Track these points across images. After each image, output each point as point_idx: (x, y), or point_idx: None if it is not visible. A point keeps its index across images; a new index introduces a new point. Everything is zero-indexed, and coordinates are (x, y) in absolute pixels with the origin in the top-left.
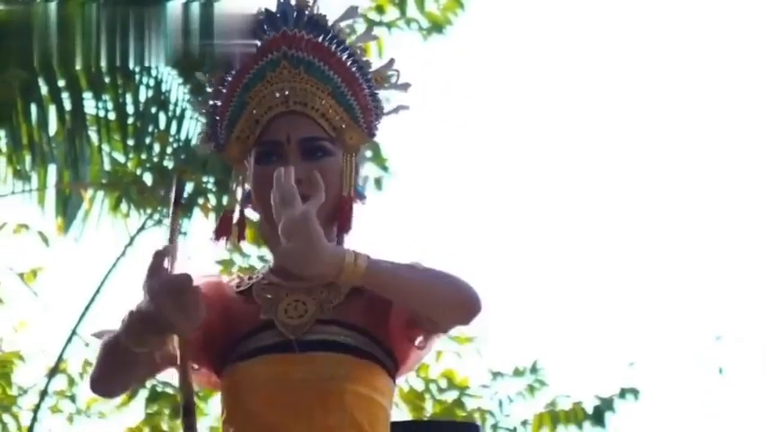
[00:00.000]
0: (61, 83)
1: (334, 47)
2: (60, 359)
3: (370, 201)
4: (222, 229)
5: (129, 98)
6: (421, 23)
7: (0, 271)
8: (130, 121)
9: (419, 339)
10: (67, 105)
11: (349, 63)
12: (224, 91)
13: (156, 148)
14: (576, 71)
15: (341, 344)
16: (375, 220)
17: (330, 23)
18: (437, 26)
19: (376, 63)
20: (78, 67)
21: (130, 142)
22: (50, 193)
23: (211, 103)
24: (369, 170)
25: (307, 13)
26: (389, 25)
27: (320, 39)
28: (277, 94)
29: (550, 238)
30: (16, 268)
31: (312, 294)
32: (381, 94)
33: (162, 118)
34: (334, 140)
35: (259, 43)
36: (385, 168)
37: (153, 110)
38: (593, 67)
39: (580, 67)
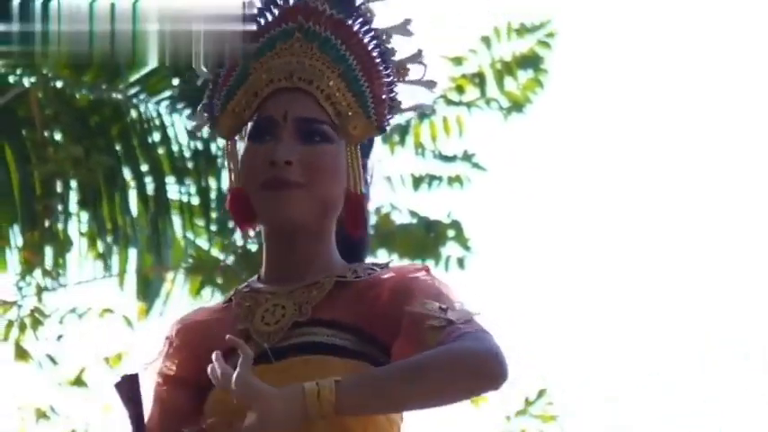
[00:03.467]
0: (144, 167)
1: (357, 27)
2: None
3: (453, 277)
4: (240, 216)
5: (212, 182)
6: (501, 103)
7: (85, 355)
8: (213, 205)
9: None
10: (150, 190)
11: (371, 47)
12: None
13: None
14: (654, 148)
15: (323, 344)
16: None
17: (359, 2)
18: (517, 105)
19: (405, 56)
20: (161, 151)
21: (213, 227)
22: (132, 278)
23: (215, 72)
24: (451, 249)
25: None
26: (469, 105)
27: (343, 17)
28: (282, 68)
29: (636, 311)
30: (101, 352)
31: (293, 297)
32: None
33: None
34: (336, 127)
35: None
36: (467, 248)
37: None
38: (674, 143)
39: (658, 145)
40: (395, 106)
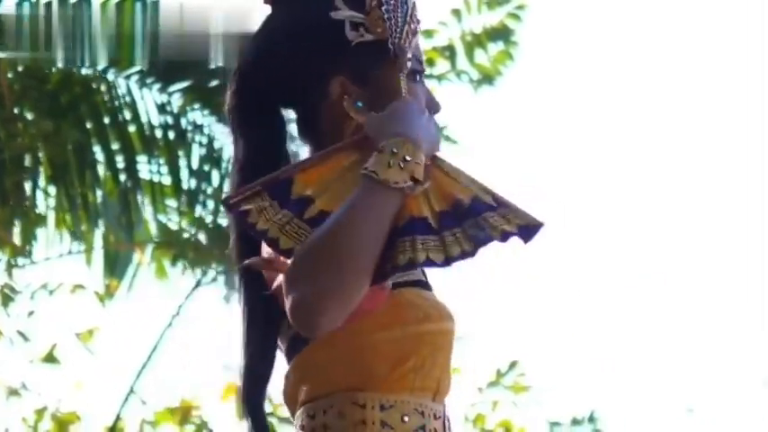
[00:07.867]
0: (115, 146)
1: None
2: (118, 418)
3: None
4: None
5: (182, 158)
6: (471, 75)
7: (57, 331)
8: (185, 178)
9: None
10: (120, 164)
11: None
12: None
13: (211, 205)
14: (625, 119)
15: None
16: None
17: None
18: (487, 78)
19: None
20: (132, 129)
21: (183, 202)
22: (104, 253)
23: None
24: None
25: None
26: (440, 78)
27: None
28: (417, 15)
29: (608, 281)
30: (73, 328)
31: None
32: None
33: (215, 176)
34: None
35: None
36: None
37: (206, 168)
38: (643, 114)
39: (629, 115)
40: None
